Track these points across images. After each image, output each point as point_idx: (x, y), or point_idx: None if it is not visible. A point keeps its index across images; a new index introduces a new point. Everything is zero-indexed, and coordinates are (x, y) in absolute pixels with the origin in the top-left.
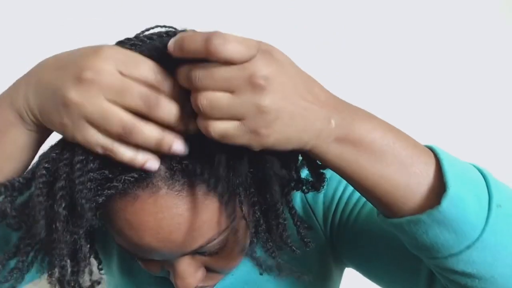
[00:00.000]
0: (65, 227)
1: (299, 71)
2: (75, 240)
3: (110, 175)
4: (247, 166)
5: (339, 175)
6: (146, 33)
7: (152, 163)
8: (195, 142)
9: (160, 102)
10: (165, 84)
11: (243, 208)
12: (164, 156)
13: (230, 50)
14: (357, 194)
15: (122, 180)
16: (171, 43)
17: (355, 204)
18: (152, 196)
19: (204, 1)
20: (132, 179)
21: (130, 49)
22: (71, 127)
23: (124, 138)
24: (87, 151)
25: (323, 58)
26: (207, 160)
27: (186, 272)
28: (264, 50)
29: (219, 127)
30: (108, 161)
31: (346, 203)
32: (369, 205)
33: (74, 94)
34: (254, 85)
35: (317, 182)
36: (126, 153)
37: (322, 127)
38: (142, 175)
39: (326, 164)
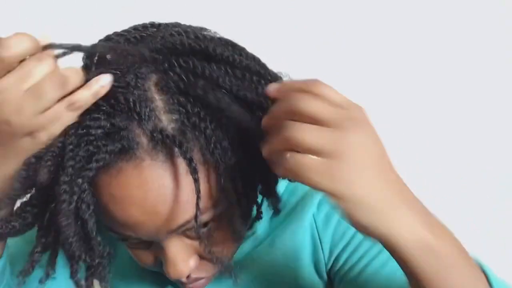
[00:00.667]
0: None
1: (385, 153)
2: (84, 224)
3: (95, 150)
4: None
5: (404, 271)
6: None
7: (103, 77)
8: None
9: (45, 54)
10: (25, 44)
11: (222, 181)
12: (146, 128)
13: (328, 88)
14: (367, 243)
15: (108, 151)
16: (273, 88)
17: (363, 255)
18: (136, 168)
19: (204, 1)
20: (116, 150)
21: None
22: (37, 136)
23: (66, 92)
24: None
25: (323, 58)
26: (188, 132)
27: (177, 258)
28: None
29: (298, 157)
30: (88, 139)
31: (355, 250)
32: (376, 263)
33: (11, 118)
34: (342, 126)
35: None
36: (83, 93)
37: (402, 220)
38: (125, 146)
39: (397, 260)
